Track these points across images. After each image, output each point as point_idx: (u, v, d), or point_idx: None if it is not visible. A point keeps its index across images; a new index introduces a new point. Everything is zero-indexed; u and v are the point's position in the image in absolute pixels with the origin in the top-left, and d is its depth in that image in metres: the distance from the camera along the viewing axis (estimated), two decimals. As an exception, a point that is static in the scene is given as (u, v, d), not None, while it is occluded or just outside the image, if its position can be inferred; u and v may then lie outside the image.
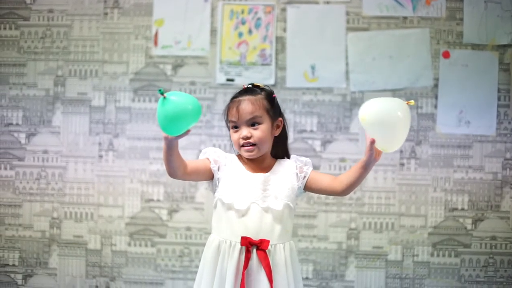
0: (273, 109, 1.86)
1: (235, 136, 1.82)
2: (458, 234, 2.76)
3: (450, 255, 2.76)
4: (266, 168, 1.86)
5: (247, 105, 1.81)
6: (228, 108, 1.85)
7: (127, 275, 2.85)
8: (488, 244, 2.76)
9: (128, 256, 2.85)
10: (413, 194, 2.77)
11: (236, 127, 1.82)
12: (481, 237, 2.76)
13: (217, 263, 1.81)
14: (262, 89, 1.88)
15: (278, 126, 1.88)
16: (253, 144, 1.80)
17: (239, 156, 1.90)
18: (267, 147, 1.84)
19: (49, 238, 2.88)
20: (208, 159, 1.85)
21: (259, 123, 1.81)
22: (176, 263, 2.83)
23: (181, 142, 2.81)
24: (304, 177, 1.85)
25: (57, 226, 2.88)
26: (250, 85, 1.90)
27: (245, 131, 1.80)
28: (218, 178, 1.86)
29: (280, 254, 1.81)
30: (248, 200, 1.82)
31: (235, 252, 1.79)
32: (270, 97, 1.87)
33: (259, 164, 1.86)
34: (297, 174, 1.85)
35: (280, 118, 1.89)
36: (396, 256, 2.77)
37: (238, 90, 1.77)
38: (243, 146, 1.81)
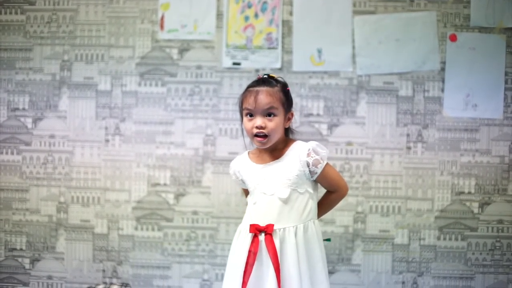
0: (287, 102, 1.95)
1: (249, 124, 1.89)
2: (464, 217, 2.76)
3: (456, 239, 2.76)
4: (276, 156, 1.95)
5: (265, 95, 1.88)
6: (245, 96, 1.91)
7: (134, 259, 2.86)
8: (495, 228, 2.75)
9: (135, 240, 2.86)
10: (420, 177, 2.77)
11: (251, 115, 1.88)
12: (488, 221, 2.76)
13: (235, 249, 1.95)
14: (277, 81, 1.95)
15: (289, 119, 1.97)
16: (265, 135, 1.86)
17: (249, 152, 2.03)
18: (277, 138, 1.93)
19: (56, 223, 2.89)
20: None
21: (274, 115, 1.88)
22: (183, 247, 2.83)
23: (188, 126, 2.86)
24: (316, 173, 1.93)
25: (64, 210, 2.89)
26: (266, 76, 1.96)
27: (259, 120, 1.87)
28: (244, 182, 2.03)
29: (289, 236, 1.88)
30: (257, 190, 1.94)
31: (248, 238, 1.90)
32: (284, 90, 1.95)
33: (269, 153, 1.94)
34: (307, 162, 1.89)
35: (292, 112, 1.98)
36: (403, 240, 2.77)
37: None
38: (255, 135, 1.87)
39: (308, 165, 1.90)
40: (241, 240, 1.93)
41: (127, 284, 2.80)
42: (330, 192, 2.04)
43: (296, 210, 1.90)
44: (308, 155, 1.90)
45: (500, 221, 2.75)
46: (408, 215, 2.77)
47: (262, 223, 1.88)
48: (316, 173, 1.91)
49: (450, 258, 2.76)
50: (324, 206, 2.04)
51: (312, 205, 1.95)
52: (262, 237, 1.87)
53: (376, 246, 2.78)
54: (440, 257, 2.76)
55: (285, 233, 1.88)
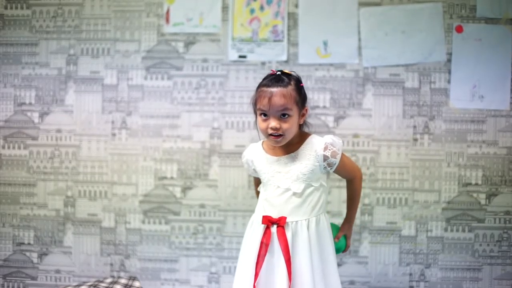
0: (301, 100, 1.93)
1: (264, 124, 1.89)
2: (472, 209, 2.76)
3: (464, 230, 2.76)
4: (291, 149, 1.95)
5: (280, 98, 1.85)
6: (259, 96, 1.89)
7: (142, 253, 2.86)
8: (502, 219, 2.75)
9: (142, 233, 2.86)
10: (427, 169, 2.77)
11: (265, 115, 1.87)
12: (495, 212, 2.75)
13: (248, 240, 1.97)
14: (290, 77, 1.93)
15: (303, 115, 1.96)
16: (281, 135, 1.85)
17: (263, 142, 2.03)
18: (292, 135, 1.92)
19: (64, 217, 2.90)
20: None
21: (289, 115, 1.86)
22: (190, 240, 2.84)
23: (195, 119, 2.85)
24: (335, 163, 1.93)
25: (72, 204, 2.89)
26: (279, 72, 1.92)
27: (274, 122, 1.86)
28: (257, 172, 2.04)
29: (302, 230, 1.89)
30: (271, 182, 1.94)
31: (260, 229, 1.91)
32: (298, 87, 1.92)
33: (284, 146, 1.95)
34: (324, 156, 1.89)
35: (306, 107, 1.96)
36: (410, 232, 2.77)
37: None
38: (270, 135, 1.87)
39: (326, 159, 1.90)
40: (254, 231, 1.93)
41: (134, 278, 2.81)
42: (349, 182, 2.06)
43: (309, 204, 1.90)
44: (325, 149, 1.90)
45: (507, 212, 2.75)
46: (415, 207, 2.77)
47: (275, 215, 1.88)
48: (335, 164, 1.92)
49: (458, 250, 2.76)
50: (353, 197, 2.07)
51: (324, 198, 1.96)
52: (274, 229, 1.88)
53: (383, 238, 2.78)
54: (447, 249, 2.76)
55: (297, 226, 1.88)
